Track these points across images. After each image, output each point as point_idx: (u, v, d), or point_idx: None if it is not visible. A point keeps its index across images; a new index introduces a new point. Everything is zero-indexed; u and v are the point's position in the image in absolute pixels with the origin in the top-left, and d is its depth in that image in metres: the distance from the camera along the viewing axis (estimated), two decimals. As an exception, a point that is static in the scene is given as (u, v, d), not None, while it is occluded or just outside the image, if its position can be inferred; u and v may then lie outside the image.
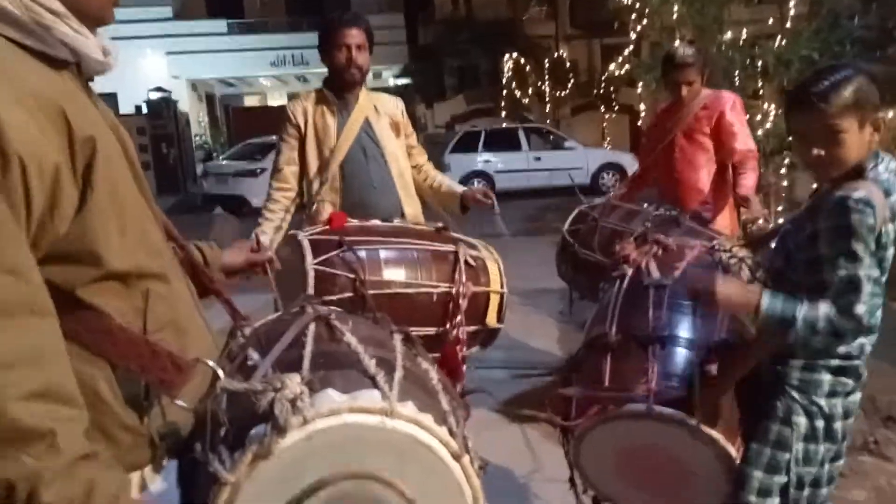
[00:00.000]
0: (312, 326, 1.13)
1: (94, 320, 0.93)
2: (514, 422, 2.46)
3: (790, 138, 1.60)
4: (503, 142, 13.34)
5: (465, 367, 1.96)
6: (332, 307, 1.23)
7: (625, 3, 6.74)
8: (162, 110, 15.89)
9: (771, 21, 5.99)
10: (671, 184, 3.27)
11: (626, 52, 9.64)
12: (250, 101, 26.28)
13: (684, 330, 1.65)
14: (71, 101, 0.90)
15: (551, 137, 14.14)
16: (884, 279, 1.45)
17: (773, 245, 1.73)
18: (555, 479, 1.91)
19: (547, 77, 18.01)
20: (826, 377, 1.48)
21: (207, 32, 19.40)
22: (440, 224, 2.18)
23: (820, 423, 1.48)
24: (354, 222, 2.10)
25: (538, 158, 13.21)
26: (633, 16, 6.73)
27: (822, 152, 1.43)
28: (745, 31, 5.71)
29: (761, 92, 5.67)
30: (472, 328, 1.97)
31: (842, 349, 1.46)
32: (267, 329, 1.21)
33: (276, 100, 26.04)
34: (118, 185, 0.96)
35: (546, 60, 18.16)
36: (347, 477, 0.91)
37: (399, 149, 2.60)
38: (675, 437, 1.50)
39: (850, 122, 1.40)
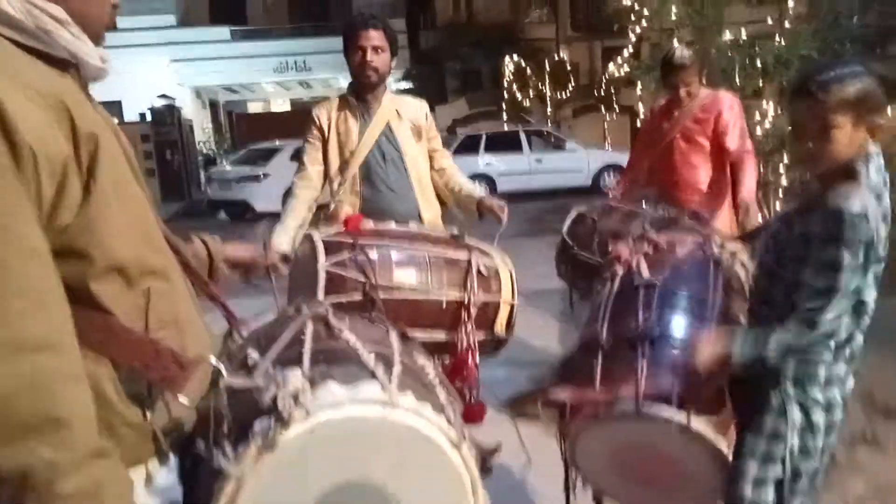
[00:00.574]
0: (310, 325, 1.15)
1: (98, 319, 0.93)
2: (516, 419, 2.49)
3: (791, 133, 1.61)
4: (504, 144, 13.38)
5: (477, 376, 1.97)
6: (328, 306, 1.25)
7: (625, 4, 6.78)
8: (166, 117, 15.99)
9: (770, 21, 6.01)
10: (670, 185, 3.29)
11: (626, 53, 9.65)
12: (254, 108, 26.39)
13: (674, 328, 1.66)
14: (73, 98, 0.92)
15: (552, 139, 14.17)
16: (876, 277, 1.47)
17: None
18: (555, 475, 1.94)
19: (548, 79, 18.04)
20: (821, 369, 1.49)
21: (211, 40, 19.49)
22: (455, 231, 2.20)
23: (817, 415, 1.49)
24: (370, 224, 2.13)
25: (539, 160, 13.23)
26: (633, 17, 6.76)
27: (811, 145, 1.44)
28: (744, 31, 5.73)
29: (762, 92, 5.69)
30: (480, 336, 1.97)
31: (835, 342, 1.47)
32: (265, 330, 1.23)
33: (280, 106, 26.15)
34: (120, 182, 0.97)
35: (547, 63, 18.19)
36: (349, 468, 0.94)
37: (419, 154, 2.62)
38: (666, 436, 1.51)
39: (845, 120, 1.40)
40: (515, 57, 18.03)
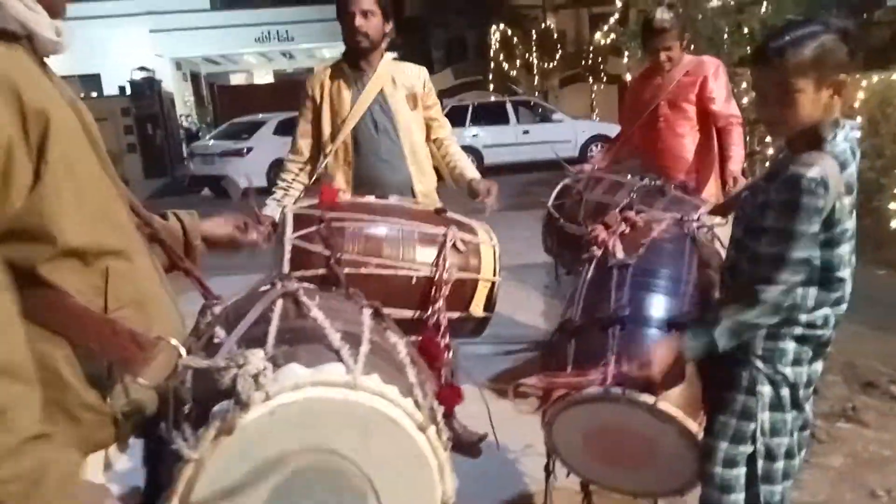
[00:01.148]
0: (280, 302, 1.12)
1: (52, 298, 0.92)
2: (501, 397, 2.47)
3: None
4: (491, 115, 13.23)
5: (449, 355, 1.88)
6: (304, 283, 1.22)
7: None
8: (145, 90, 15.62)
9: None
10: (655, 153, 3.24)
11: (612, 20, 9.53)
12: (236, 80, 25.94)
13: (646, 308, 1.63)
14: (22, 74, 0.88)
15: (539, 110, 14.03)
16: (849, 251, 1.43)
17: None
18: (542, 453, 1.93)
19: (535, 48, 17.80)
20: (790, 345, 1.46)
21: (191, 9, 19.04)
22: (440, 205, 2.13)
23: (785, 392, 1.47)
24: (347, 197, 2.05)
25: (526, 132, 13.10)
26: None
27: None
28: (731, -4, 5.66)
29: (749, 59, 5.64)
30: (454, 315, 1.88)
31: (803, 317, 1.44)
32: (236, 306, 1.20)
33: (262, 77, 25.71)
34: (75, 159, 0.94)
35: (534, 31, 17.94)
36: (310, 451, 0.91)
37: (414, 122, 2.54)
38: (637, 417, 1.50)
39: (806, 82, 1.35)
40: (502, 25, 17.76)
